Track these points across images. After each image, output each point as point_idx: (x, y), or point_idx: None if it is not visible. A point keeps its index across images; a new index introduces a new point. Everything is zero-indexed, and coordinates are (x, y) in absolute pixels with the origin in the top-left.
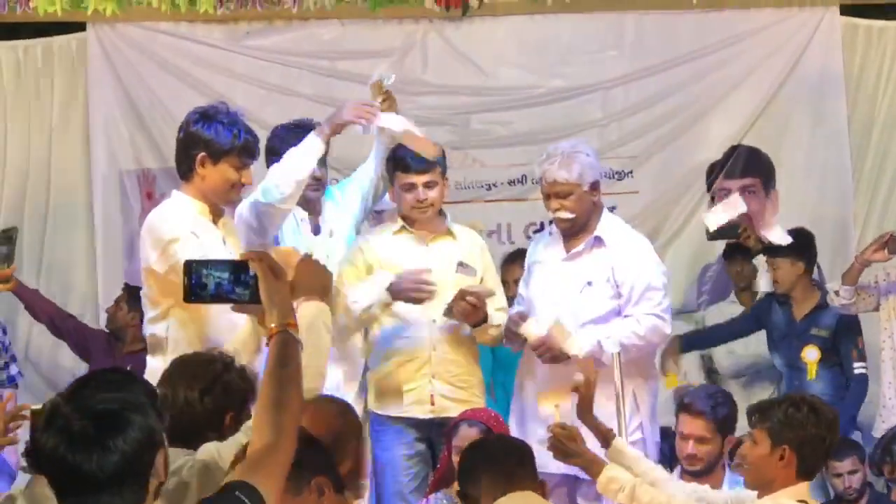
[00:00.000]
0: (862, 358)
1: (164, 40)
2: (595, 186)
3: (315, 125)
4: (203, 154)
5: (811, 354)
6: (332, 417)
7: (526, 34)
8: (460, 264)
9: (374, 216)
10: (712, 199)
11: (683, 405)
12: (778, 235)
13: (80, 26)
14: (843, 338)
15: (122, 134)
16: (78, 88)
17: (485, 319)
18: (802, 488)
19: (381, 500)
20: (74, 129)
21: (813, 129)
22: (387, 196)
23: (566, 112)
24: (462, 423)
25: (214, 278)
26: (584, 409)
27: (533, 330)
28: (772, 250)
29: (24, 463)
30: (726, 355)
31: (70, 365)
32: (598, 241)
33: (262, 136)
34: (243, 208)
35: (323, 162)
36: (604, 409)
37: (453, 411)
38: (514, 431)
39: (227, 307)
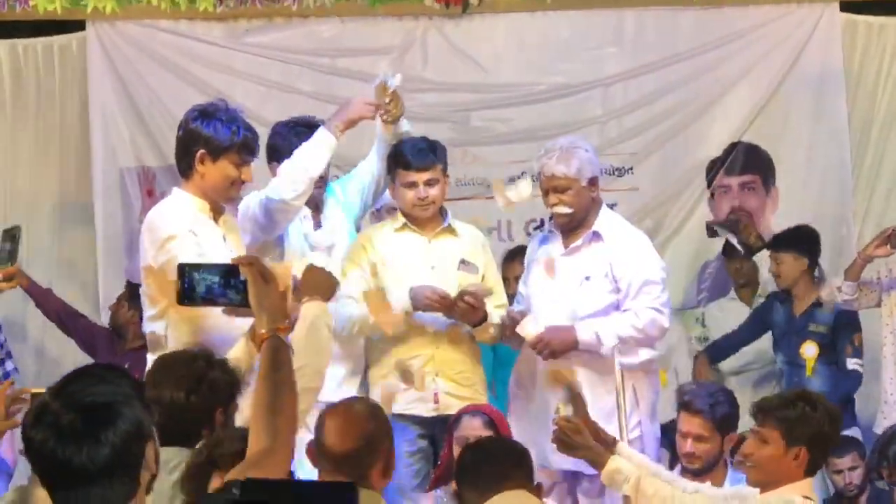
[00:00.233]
0: (857, 354)
1: (164, 38)
2: (593, 182)
3: (316, 122)
4: (202, 151)
5: (809, 350)
6: (364, 420)
7: (526, 31)
8: (462, 262)
9: (372, 213)
10: (712, 195)
11: (683, 403)
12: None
13: (79, 25)
14: (840, 333)
15: (122, 132)
16: (78, 87)
17: (484, 318)
18: (806, 484)
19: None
20: (74, 127)
21: (813, 125)
22: (385, 192)
23: (566, 109)
24: (465, 415)
25: (206, 281)
26: (582, 418)
27: (530, 329)
28: (775, 245)
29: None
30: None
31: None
32: (597, 235)
33: (263, 134)
34: (251, 204)
35: None
36: (604, 403)
37: (456, 409)
38: (512, 427)
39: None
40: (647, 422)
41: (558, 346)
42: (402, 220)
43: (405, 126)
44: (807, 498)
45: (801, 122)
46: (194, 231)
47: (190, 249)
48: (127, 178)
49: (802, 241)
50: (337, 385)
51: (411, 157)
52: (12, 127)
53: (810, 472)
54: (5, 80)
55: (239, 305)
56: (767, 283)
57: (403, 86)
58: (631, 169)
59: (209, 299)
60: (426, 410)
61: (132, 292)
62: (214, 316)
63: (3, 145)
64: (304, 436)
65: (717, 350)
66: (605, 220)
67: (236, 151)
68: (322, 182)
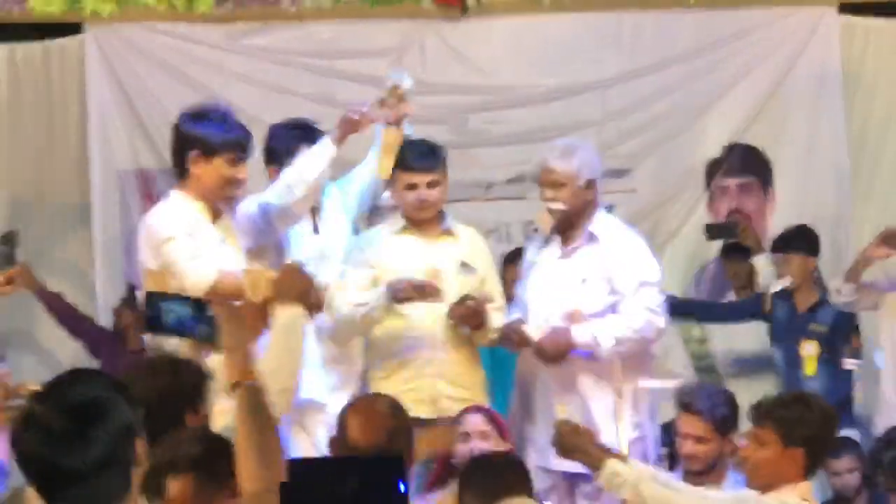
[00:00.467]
0: (855, 355)
1: (162, 40)
2: (591, 184)
3: (314, 125)
4: (196, 152)
5: (809, 349)
6: (385, 417)
7: (524, 33)
8: (462, 264)
9: (370, 213)
10: (710, 197)
11: (683, 404)
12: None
13: (77, 27)
14: (839, 334)
15: (121, 134)
16: (76, 89)
17: (484, 322)
18: (805, 487)
19: None
20: (72, 129)
21: (811, 127)
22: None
23: (564, 111)
24: (466, 413)
25: (176, 313)
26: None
27: (531, 333)
28: (783, 246)
29: None
30: (726, 353)
31: None
32: (592, 237)
33: (262, 136)
34: (251, 208)
35: None
36: (605, 405)
37: (456, 411)
38: (513, 430)
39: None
40: (647, 423)
41: (553, 350)
42: (401, 222)
43: (406, 129)
44: (805, 500)
45: (799, 123)
46: (192, 233)
47: (188, 251)
48: (125, 181)
49: (809, 241)
50: (332, 389)
51: (413, 159)
52: (10, 129)
53: (808, 473)
54: (3, 82)
55: (208, 341)
56: (766, 286)
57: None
58: (629, 171)
59: (178, 331)
60: (427, 412)
61: (133, 295)
62: None
63: (1, 147)
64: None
65: (702, 310)
66: (601, 223)
67: (229, 150)
68: (323, 187)
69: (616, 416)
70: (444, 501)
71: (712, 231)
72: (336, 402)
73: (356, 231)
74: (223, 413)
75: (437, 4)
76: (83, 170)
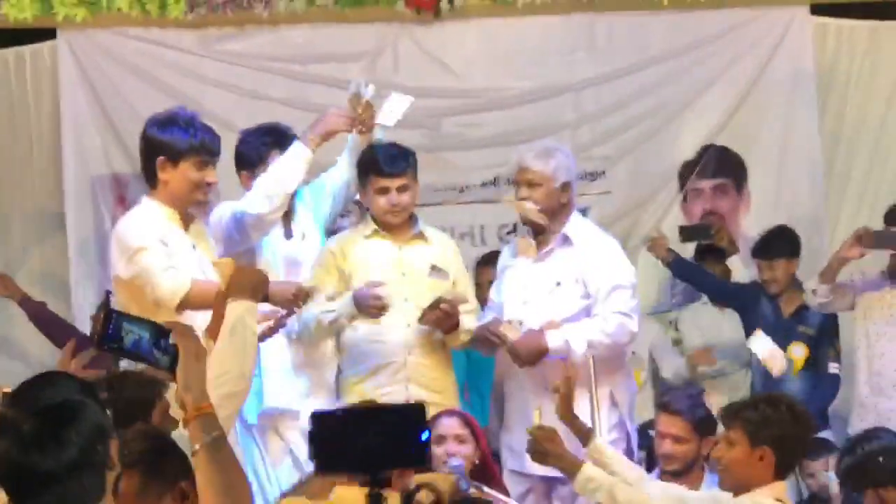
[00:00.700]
0: (837, 359)
1: (135, 46)
2: (566, 187)
3: (284, 129)
4: (162, 158)
5: (798, 351)
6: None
7: (497, 36)
8: (433, 268)
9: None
10: (685, 199)
11: (662, 404)
12: None
13: (51, 33)
14: (825, 338)
15: (94, 139)
16: (49, 94)
17: (457, 325)
18: (779, 487)
19: None
20: (46, 135)
21: (785, 128)
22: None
23: (538, 114)
24: (442, 415)
25: (134, 335)
26: (565, 409)
27: (510, 335)
28: (766, 251)
29: None
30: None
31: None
32: (566, 239)
33: (235, 141)
34: (224, 216)
35: None
36: (579, 409)
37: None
38: (494, 433)
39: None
40: (627, 423)
41: (527, 354)
42: (372, 226)
43: (378, 133)
44: (779, 501)
45: (773, 124)
46: (164, 241)
47: (161, 260)
48: (98, 186)
49: (791, 244)
50: (304, 394)
51: (384, 163)
52: None
53: (781, 474)
54: None
55: (165, 368)
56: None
57: (375, 91)
58: (603, 173)
59: (134, 353)
60: None
61: (109, 301)
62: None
63: None
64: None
65: (690, 269)
66: (576, 226)
67: (195, 154)
68: (294, 193)
69: (592, 419)
70: None
71: (686, 233)
72: (308, 408)
73: (327, 235)
74: None
75: (410, 8)
76: (57, 175)
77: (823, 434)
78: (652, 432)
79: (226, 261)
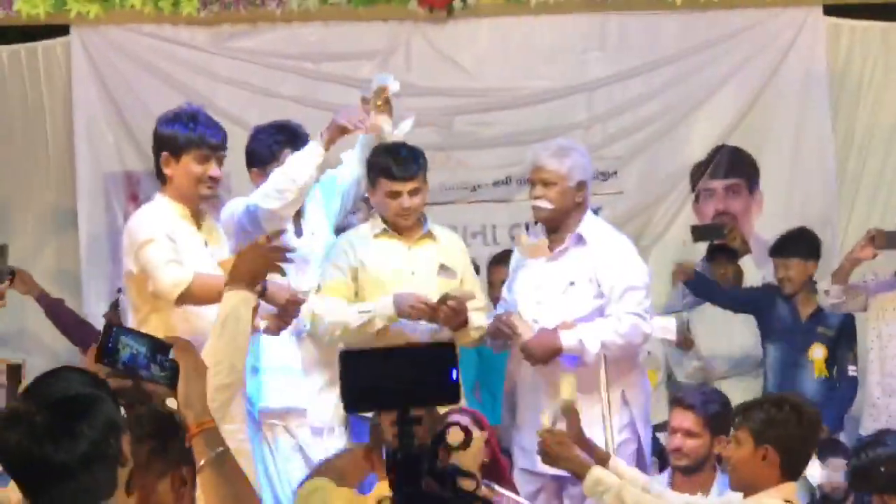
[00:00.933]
0: (855, 361)
1: (148, 43)
2: (581, 186)
3: (296, 126)
4: (166, 153)
5: (818, 353)
6: None
7: (510, 35)
8: (442, 267)
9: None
10: (697, 199)
11: (675, 399)
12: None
13: (63, 29)
14: (844, 340)
15: (107, 136)
16: (62, 91)
17: (465, 322)
18: (788, 488)
19: None
20: (59, 131)
21: (797, 128)
22: None
23: (550, 113)
24: (451, 414)
25: (131, 349)
26: (576, 436)
27: (520, 326)
28: (782, 251)
29: None
30: (713, 356)
31: None
32: (580, 239)
33: (246, 138)
34: (237, 210)
35: None
36: (592, 412)
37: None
38: (506, 431)
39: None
40: (640, 424)
41: (540, 353)
42: (381, 225)
43: (387, 128)
44: (788, 502)
45: (785, 125)
46: (172, 237)
47: (168, 254)
48: (111, 183)
49: (809, 244)
50: (317, 392)
51: (396, 167)
52: None
53: (789, 475)
54: None
55: (162, 384)
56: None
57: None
58: (615, 173)
59: (132, 368)
60: None
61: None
62: (196, 321)
63: None
64: (228, 427)
65: (704, 286)
66: (590, 225)
67: (195, 147)
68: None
69: (603, 420)
70: None
71: (698, 233)
72: (322, 403)
73: (336, 232)
74: None
75: (422, 7)
76: (70, 172)
77: (839, 436)
78: (663, 437)
79: (230, 261)
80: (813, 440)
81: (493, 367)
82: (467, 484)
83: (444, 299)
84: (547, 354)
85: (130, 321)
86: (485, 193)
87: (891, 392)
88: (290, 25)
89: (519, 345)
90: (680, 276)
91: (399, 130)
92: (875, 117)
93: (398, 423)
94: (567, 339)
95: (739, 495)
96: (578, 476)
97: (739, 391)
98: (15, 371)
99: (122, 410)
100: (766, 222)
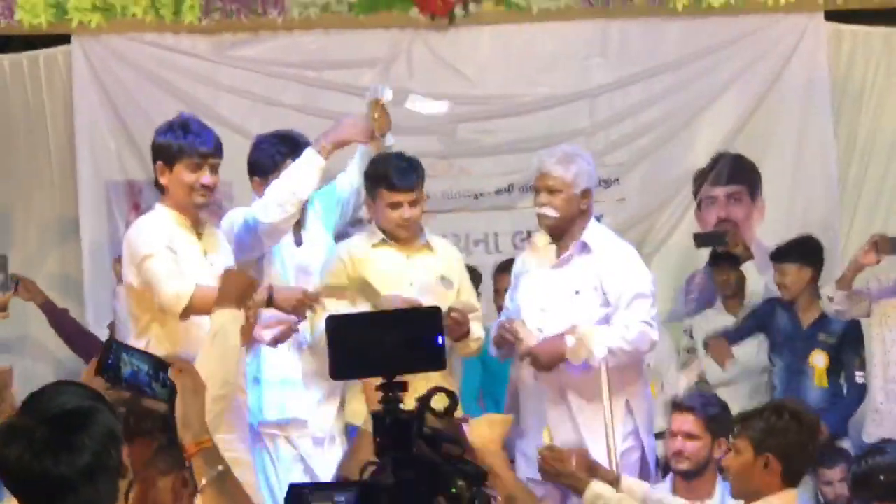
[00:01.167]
0: (862, 367)
1: (150, 51)
2: (586, 194)
3: (298, 136)
4: (160, 163)
5: (819, 360)
6: None
7: (511, 43)
8: (440, 278)
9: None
10: (699, 206)
11: (675, 404)
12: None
13: (65, 38)
14: (849, 346)
15: (108, 145)
16: (64, 100)
17: (467, 333)
18: (789, 496)
19: None
20: (61, 140)
21: (799, 135)
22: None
23: (552, 120)
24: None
25: (132, 366)
26: (584, 465)
27: (522, 331)
28: (779, 256)
29: None
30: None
31: None
32: (585, 247)
33: (248, 148)
34: (236, 222)
35: None
36: (595, 426)
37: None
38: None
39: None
40: (643, 433)
41: (547, 358)
42: (380, 235)
43: (389, 140)
44: None
45: (788, 131)
46: (172, 247)
47: (169, 267)
48: (113, 192)
49: (805, 251)
50: (317, 403)
51: (396, 178)
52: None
53: (789, 482)
54: None
55: (163, 401)
56: (754, 294)
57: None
58: (617, 180)
59: (132, 384)
60: None
61: None
62: (195, 331)
63: None
64: (225, 436)
65: (731, 336)
66: (594, 233)
67: (186, 156)
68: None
69: (606, 428)
70: None
71: (701, 240)
72: (323, 413)
73: (336, 241)
74: None
75: (424, 14)
76: (72, 180)
77: (843, 442)
78: (661, 445)
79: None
80: (814, 447)
81: (497, 376)
82: (453, 449)
83: (449, 310)
84: (553, 360)
85: (130, 331)
86: (487, 201)
87: (894, 398)
88: (291, 34)
89: (522, 351)
90: (721, 358)
91: (436, 108)
92: (877, 122)
93: (384, 389)
94: (573, 344)
95: (740, 502)
96: (578, 491)
97: (745, 398)
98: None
99: (133, 421)
100: (769, 229)
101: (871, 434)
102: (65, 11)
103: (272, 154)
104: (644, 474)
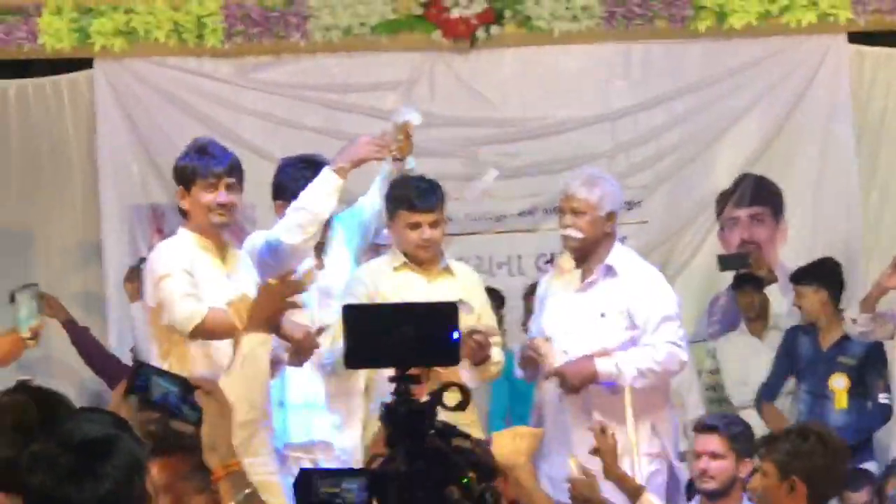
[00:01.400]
0: (887, 389)
1: (172, 75)
2: (611, 216)
3: (323, 160)
4: (181, 187)
5: (839, 383)
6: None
7: (533, 65)
8: (460, 302)
9: (373, 249)
10: (721, 228)
11: (698, 425)
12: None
13: (88, 62)
14: (872, 367)
15: (131, 169)
16: (87, 124)
17: (488, 357)
18: None
19: None
20: (84, 164)
21: (821, 156)
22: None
23: (575, 143)
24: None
25: (162, 388)
26: (611, 468)
27: (543, 348)
28: (796, 279)
29: None
30: (738, 385)
31: None
32: (610, 270)
33: (272, 171)
34: (257, 244)
35: None
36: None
37: None
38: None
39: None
40: (671, 455)
41: (577, 379)
42: (401, 258)
43: (411, 163)
44: None
45: (810, 152)
46: (191, 270)
47: (186, 288)
48: (136, 216)
49: (820, 273)
50: (337, 427)
51: (416, 198)
52: (21, 163)
53: None
54: (14, 117)
55: (193, 424)
56: (778, 317)
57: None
58: (640, 202)
59: (162, 407)
60: None
61: None
62: (215, 354)
63: (13, 182)
64: (252, 460)
65: (769, 391)
66: (619, 256)
67: (202, 177)
68: (326, 224)
69: (631, 450)
70: None
71: (724, 262)
72: (347, 435)
73: (358, 264)
74: None
75: (446, 37)
76: (94, 204)
77: (868, 465)
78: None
79: (237, 298)
80: (840, 470)
81: (525, 396)
82: (463, 443)
83: (470, 333)
84: (583, 381)
85: (151, 354)
86: (510, 223)
87: None
88: (313, 57)
89: (549, 371)
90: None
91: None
92: None
93: (397, 381)
94: (603, 365)
95: None
96: None
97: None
98: None
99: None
100: (792, 250)
101: None
102: (88, 36)
103: (296, 177)
104: (670, 496)
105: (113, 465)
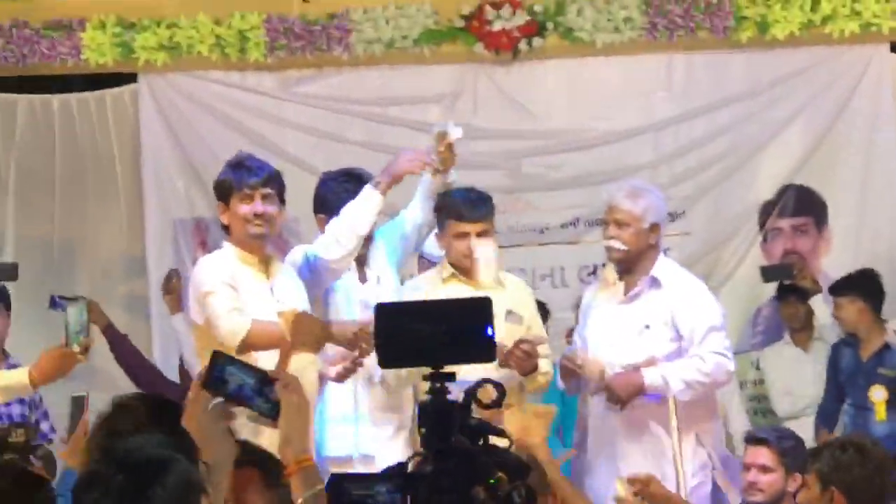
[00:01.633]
0: None
1: (215, 89)
2: (655, 228)
3: (365, 174)
4: (221, 203)
5: (878, 394)
6: None
7: (576, 77)
8: (509, 313)
9: (422, 263)
10: (765, 239)
11: (749, 438)
12: None
13: (131, 77)
14: None
15: (175, 183)
16: (130, 138)
17: (535, 367)
18: None
19: None
20: (128, 178)
21: (865, 166)
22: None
23: (617, 154)
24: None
25: (238, 379)
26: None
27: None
28: (833, 289)
29: None
30: (783, 396)
31: None
32: (655, 282)
33: (314, 184)
34: (297, 259)
35: None
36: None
37: None
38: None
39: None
40: (718, 466)
41: (624, 392)
42: (450, 269)
43: (453, 175)
44: None
45: (853, 162)
46: (234, 284)
47: (229, 303)
48: (180, 230)
49: (857, 284)
50: (387, 439)
51: (465, 208)
52: (66, 178)
53: None
54: (58, 132)
55: (267, 416)
56: (823, 327)
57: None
58: (683, 213)
59: (239, 398)
60: None
61: None
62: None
63: (58, 196)
64: None
65: (826, 417)
66: (663, 267)
67: (237, 189)
68: (368, 237)
69: (674, 461)
70: None
71: (768, 273)
72: (391, 451)
73: (401, 279)
74: None
75: (488, 49)
76: (138, 219)
77: None
78: None
79: (289, 311)
80: (881, 481)
81: (575, 409)
82: (501, 442)
83: (518, 343)
84: (631, 394)
85: (198, 370)
86: (553, 235)
87: None
88: (356, 70)
89: (594, 385)
90: None
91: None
92: None
93: (431, 379)
94: (650, 377)
95: None
96: None
97: (811, 429)
98: (78, 403)
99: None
100: (835, 260)
101: None
102: (131, 50)
103: (338, 191)
104: None
105: (163, 487)
